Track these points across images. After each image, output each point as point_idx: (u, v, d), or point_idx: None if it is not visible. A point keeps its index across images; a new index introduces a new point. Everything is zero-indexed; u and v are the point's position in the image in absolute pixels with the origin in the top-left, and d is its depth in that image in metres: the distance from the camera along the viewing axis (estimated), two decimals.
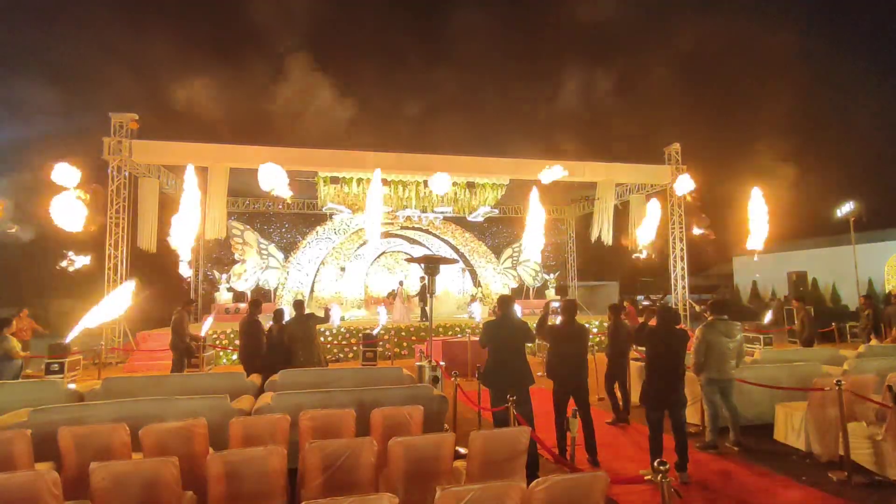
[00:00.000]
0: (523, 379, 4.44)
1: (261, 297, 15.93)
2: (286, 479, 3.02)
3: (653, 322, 4.91)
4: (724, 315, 5.22)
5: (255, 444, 3.22)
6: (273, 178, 11.07)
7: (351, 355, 11.62)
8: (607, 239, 14.86)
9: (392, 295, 15.13)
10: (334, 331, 11.84)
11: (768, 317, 12.46)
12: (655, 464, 2.36)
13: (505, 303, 4.71)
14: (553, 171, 13.17)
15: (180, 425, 3.30)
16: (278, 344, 6.34)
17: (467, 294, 17.50)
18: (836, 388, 4.30)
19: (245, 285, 16.40)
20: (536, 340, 5.94)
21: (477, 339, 5.56)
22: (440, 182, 12.82)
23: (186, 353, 8.50)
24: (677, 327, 4.68)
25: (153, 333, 11.90)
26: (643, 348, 5.37)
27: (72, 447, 3.08)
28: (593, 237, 15.20)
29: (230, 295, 16.10)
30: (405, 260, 7.60)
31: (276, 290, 16.61)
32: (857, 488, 4.07)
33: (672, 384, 4.42)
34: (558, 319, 5.26)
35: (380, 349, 11.03)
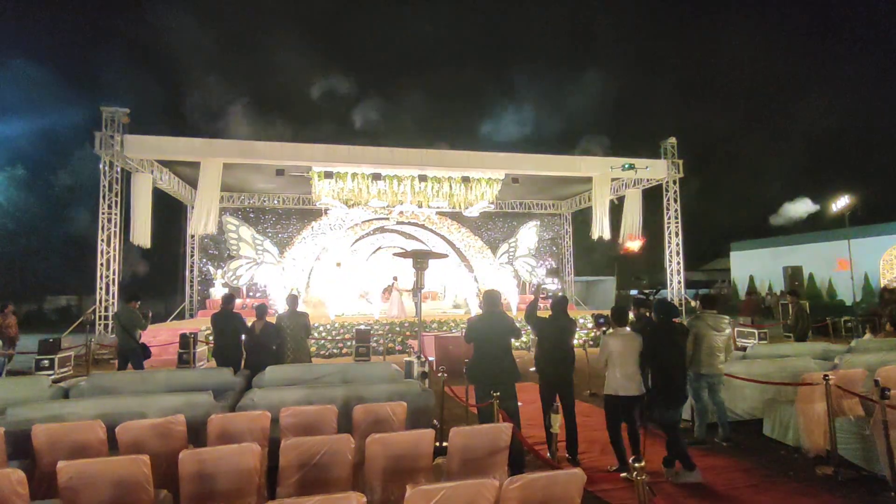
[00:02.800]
0: (509, 375, 4.38)
1: (257, 293, 15.91)
2: (263, 477, 2.98)
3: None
4: (713, 309, 5.18)
5: (233, 442, 3.17)
6: None
7: (346, 351, 11.58)
8: (606, 234, 14.80)
9: (387, 290, 15.08)
10: (329, 326, 11.80)
11: None
12: (631, 461, 2.32)
13: (490, 298, 4.63)
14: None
15: (158, 422, 3.26)
16: (264, 339, 6.27)
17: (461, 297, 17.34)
18: (824, 383, 4.28)
19: (240, 281, 16.32)
20: (530, 335, 5.84)
21: None
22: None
23: (134, 354, 7.25)
24: (674, 321, 4.48)
25: (147, 329, 11.84)
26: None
27: (45, 445, 3.03)
28: (593, 235, 15.13)
29: (225, 290, 16.04)
30: (394, 255, 7.53)
31: (269, 285, 16.55)
32: (844, 483, 4.05)
33: (681, 380, 4.30)
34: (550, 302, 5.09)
35: (373, 345, 10.99)
